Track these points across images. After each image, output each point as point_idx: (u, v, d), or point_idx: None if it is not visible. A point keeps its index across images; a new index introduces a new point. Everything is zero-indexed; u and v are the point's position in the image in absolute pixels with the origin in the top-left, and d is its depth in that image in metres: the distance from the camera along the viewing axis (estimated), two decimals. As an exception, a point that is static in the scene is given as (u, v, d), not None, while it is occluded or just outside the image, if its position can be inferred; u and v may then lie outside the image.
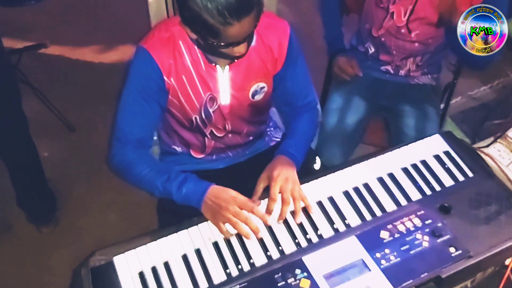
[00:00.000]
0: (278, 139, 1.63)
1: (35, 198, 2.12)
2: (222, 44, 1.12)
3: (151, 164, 1.32)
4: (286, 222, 1.22)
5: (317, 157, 1.65)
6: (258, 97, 1.40)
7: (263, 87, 1.38)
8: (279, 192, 1.24)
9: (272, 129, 1.64)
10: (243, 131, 1.50)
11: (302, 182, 1.29)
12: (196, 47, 1.26)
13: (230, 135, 1.48)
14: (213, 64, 1.29)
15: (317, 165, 1.62)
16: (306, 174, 1.34)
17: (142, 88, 1.29)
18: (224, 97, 1.35)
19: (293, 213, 1.24)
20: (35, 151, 2.04)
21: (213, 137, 1.47)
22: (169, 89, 1.30)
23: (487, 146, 1.47)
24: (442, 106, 1.98)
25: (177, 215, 1.25)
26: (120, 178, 1.36)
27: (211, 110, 1.37)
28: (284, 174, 1.26)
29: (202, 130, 1.43)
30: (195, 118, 1.39)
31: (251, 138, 1.54)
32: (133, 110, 1.32)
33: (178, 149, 1.54)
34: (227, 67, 1.30)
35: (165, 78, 1.28)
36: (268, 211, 1.23)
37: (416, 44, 1.74)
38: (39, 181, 2.11)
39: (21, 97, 1.87)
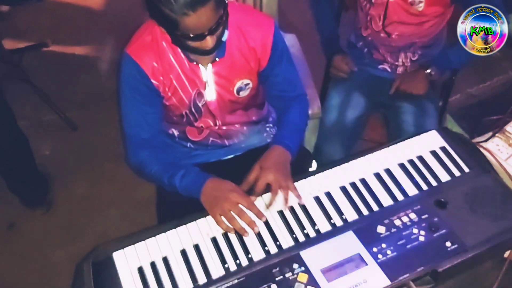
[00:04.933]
0: None
1: (26, 183, 2.15)
2: (185, 36, 1.13)
3: (159, 161, 1.36)
4: (283, 217, 1.23)
5: (313, 161, 1.65)
6: (243, 94, 1.41)
7: (247, 84, 1.39)
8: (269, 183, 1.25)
9: (271, 125, 1.64)
10: (234, 124, 1.51)
11: (299, 178, 1.30)
12: None
13: (224, 127, 1.50)
14: (195, 63, 1.30)
15: (312, 169, 1.62)
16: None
17: (136, 93, 1.32)
18: (210, 93, 1.37)
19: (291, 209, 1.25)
20: (23, 138, 2.05)
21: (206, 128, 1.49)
22: (158, 88, 1.33)
23: (486, 140, 1.48)
24: (440, 103, 1.98)
25: (176, 213, 1.26)
26: (140, 178, 1.42)
27: (200, 104, 1.40)
28: (275, 165, 1.27)
29: (193, 124, 1.46)
30: (185, 113, 1.41)
31: (245, 128, 1.55)
32: (133, 115, 1.35)
33: (176, 132, 1.54)
34: (209, 65, 1.31)
35: (152, 80, 1.30)
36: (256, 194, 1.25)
37: (400, 42, 1.75)
38: (29, 166, 2.13)
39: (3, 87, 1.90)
